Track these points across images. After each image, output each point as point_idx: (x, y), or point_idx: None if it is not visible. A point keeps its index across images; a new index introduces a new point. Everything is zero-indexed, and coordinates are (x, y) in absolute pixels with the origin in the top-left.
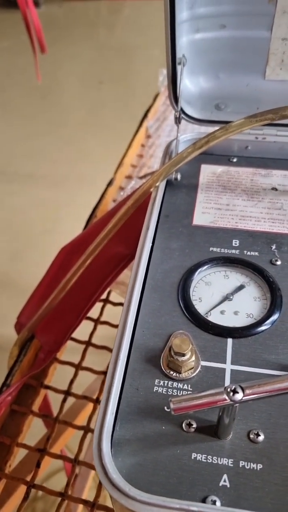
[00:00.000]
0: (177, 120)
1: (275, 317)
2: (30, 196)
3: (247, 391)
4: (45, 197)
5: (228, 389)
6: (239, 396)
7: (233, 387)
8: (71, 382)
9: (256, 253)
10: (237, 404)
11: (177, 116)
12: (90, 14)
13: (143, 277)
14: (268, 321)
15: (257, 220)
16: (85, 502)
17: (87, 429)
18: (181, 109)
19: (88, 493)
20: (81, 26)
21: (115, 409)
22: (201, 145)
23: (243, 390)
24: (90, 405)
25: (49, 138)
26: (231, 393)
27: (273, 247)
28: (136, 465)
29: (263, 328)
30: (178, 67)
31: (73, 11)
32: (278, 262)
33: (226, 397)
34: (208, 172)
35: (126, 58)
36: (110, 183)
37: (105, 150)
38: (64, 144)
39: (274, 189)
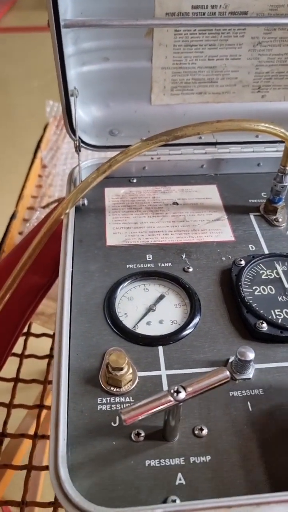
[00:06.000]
0: (77, 149)
1: (196, 320)
2: None
3: (189, 389)
4: None
5: (172, 391)
6: (182, 395)
7: (176, 387)
8: (5, 423)
9: (169, 264)
10: (181, 404)
11: (77, 145)
12: None
13: (69, 303)
14: (191, 325)
15: (165, 234)
16: None
17: (30, 467)
18: (79, 138)
19: None
20: None
21: (65, 435)
22: (104, 170)
23: (184, 389)
24: (26, 443)
25: None
26: (175, 394)
27: (183, 256)
28: (94, 485)
29: (188, 331)
30: (71, 99)
31: None
32: (190, 269)
33: (171, 398)
34: (112, 194)
35: (6, 91)
36: (13, 216)
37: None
38: None
39: (175, 203)
